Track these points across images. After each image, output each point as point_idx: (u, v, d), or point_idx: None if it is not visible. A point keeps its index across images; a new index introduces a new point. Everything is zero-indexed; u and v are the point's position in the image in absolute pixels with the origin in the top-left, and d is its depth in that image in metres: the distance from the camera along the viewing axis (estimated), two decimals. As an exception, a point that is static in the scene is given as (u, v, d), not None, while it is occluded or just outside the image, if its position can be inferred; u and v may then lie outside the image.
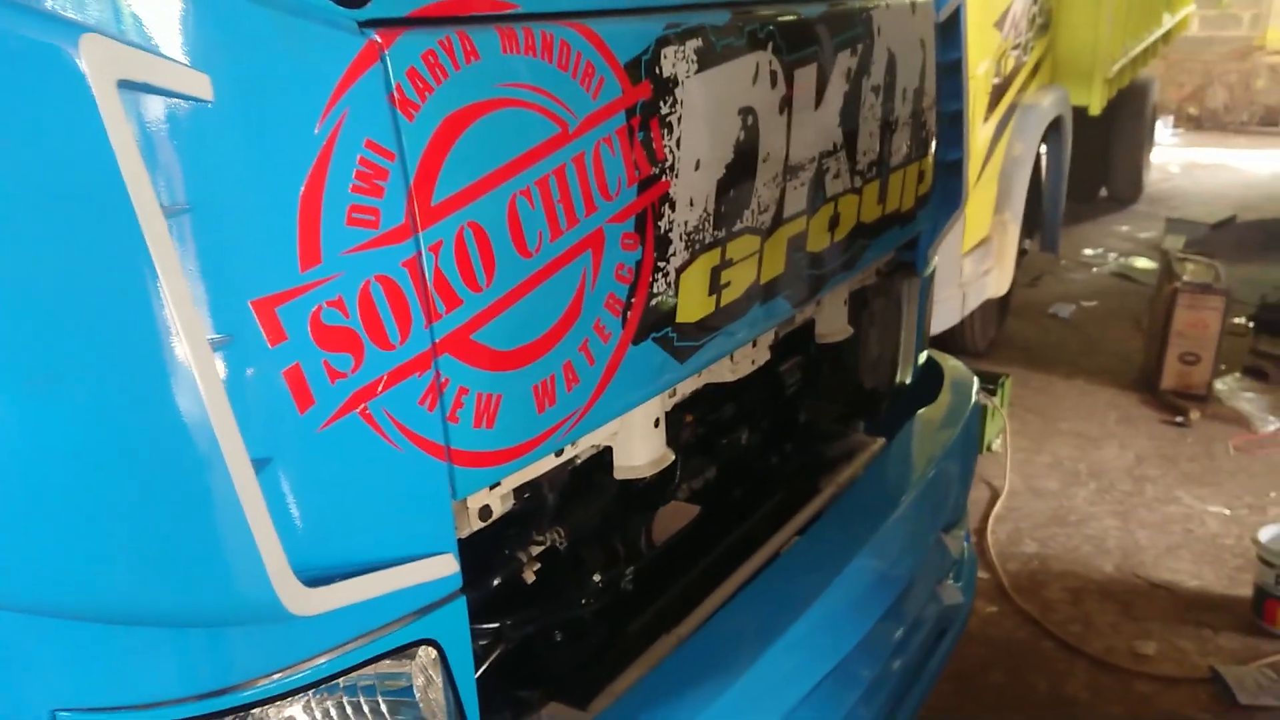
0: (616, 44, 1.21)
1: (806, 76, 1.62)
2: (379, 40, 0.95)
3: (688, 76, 1.33)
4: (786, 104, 1.57)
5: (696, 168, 1.38)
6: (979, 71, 4.14)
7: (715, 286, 1.47)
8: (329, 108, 0.91)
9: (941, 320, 4.31)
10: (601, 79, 1.20)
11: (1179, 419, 4.43)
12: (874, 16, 1.83)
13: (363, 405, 0.98)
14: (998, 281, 4.73)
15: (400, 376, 1.01)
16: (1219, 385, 4.60)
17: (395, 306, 0.99)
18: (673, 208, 1.34)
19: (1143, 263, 6.88)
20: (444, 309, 1.03)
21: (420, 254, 1.00)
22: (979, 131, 4.24)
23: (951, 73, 2.34)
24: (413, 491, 1.06)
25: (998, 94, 4.40)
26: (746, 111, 1.47)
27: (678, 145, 1.33)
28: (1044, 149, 5.26)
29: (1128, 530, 3.63)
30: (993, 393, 4.27)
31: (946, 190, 2.38)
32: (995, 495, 3.85)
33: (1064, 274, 6.66)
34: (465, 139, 1.03)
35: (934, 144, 2.25)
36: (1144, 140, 8.51)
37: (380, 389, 0.99)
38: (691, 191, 1.37)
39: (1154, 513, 3.75)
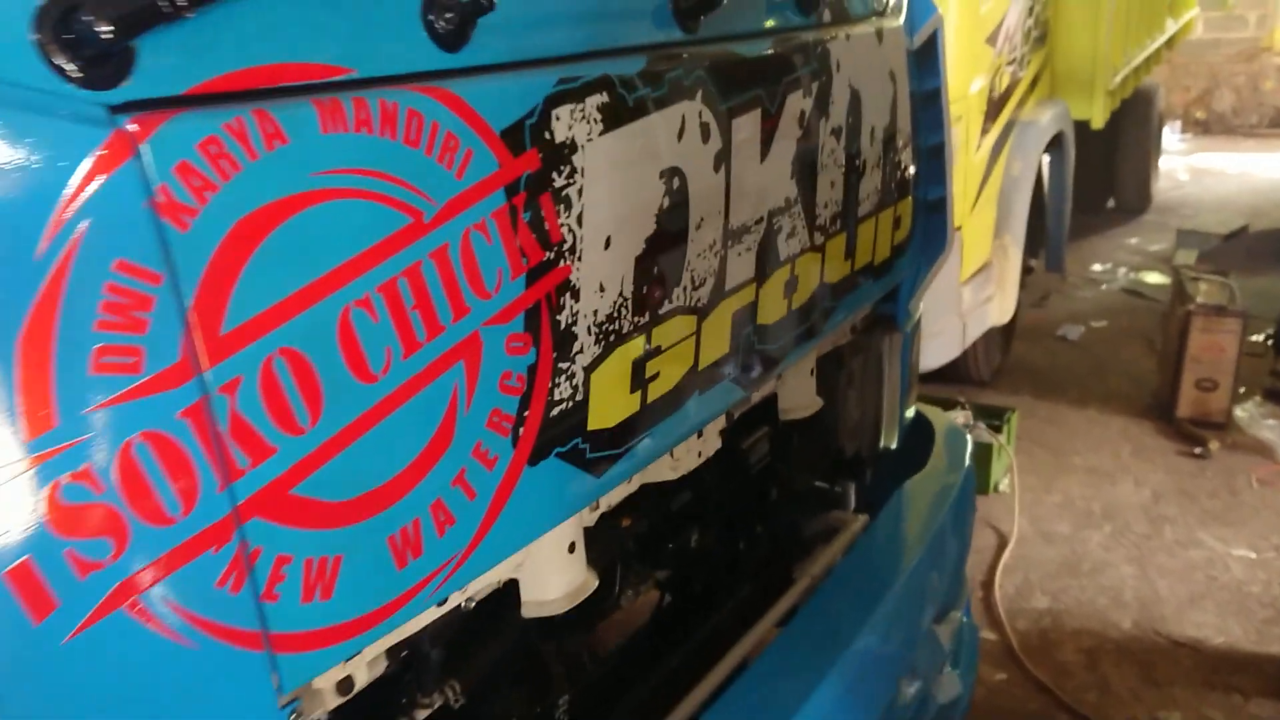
0: (489, 108, 0.99)
1: (748, 125, 1.39)
2: (133, 129, 0.73)
3: (590, 139, 1.11)
4: (723, 159, 1.34)
5: (607, 246, 1.15)
6: (972, 90, 3.91)
7: (639, 382, 1.25)
8: (55, 225, 0.69)
9: (941, 354, 4.07)
10: (469, 152, 0.97)
11: (1197, 450, 4.17)
12: (831, 50, 1.61)
13: (131, 599, 0.76)
14: (1000, 309, 4.49)
15: (187, 555, 0.78)
16: (1239, 412, 4.34)
17: (172, 468, 0.76)
18: (576, 297, 1.12)
19: (1154, 278, 6.62)
20: (248, 462, 0.81)
21: (208, 398, 0.78)
22: (975, 153, 4.01)
23: (930, 102, 2.11)
24: (222, 695, 0.83)
25: (994, 112, 4.17)
26: (671, 173, 1.25)
27: (579, 222, 1.11)
28: (1045, 165, 5.03)
29: (1146, 579, 3.37)
30: (999, 429, 4.03)
31: (929, 233, 2.15)
32: (1003, 542, 3.60)
33: (1072, 292, 6.41)
34: (269, 245, 0.81)
35: (912, 184, 2.02)
36: (1150, 149, 8.26)
37: (156, 576, 0.76)
38: (601, 275, 1.15)
39: (1174, 558, 3.49)
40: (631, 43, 1.21)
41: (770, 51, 1.47)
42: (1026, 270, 5.12)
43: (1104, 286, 6.56)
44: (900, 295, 2.07)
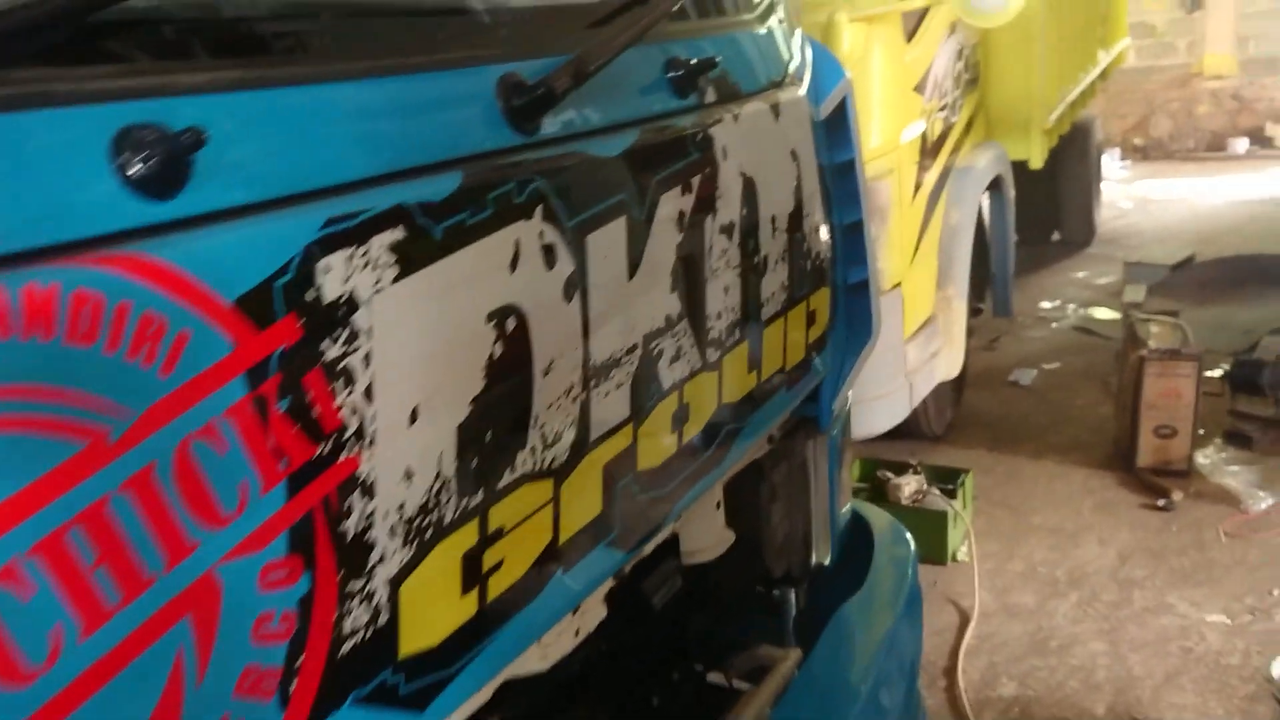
0: (214, 272, 0.74)
1: (609, 239, 1.16)
2: None
3: (379, 290, 0.86)
4: (576, 285, 1.10)
5: (413, 420, 0.91)
6: (903, 141, 3.74)
7: (474, 579, 0.99)
8: None
9: (888, 417, 3.86)
10: (182, 337, 0.72)
11: (1161, 502, 3.98)
12: (716, 135, 1.39)
13: None
14: (949, 363, 4.30)
15: None
16: (1200, 459, 4.16)
17: None
18: (370, 493, 0.87)
19: (1104, 313, 6.49)
20: None
21: None
22: (910, 205, 3.83)
23: (844, 176, 1.89)
24: None
25: (928, 161, 4.00)
26: (503, 314, 1.01)
27: (368, 398, 0.86)
28: (986, 208, 4.87)
29: (1118, 655, 3.14)
30: (953, 493, 3.81)
31: (853, 320, 1.92)
32: (965, 620, 3.36)
33: (1022, 333, 6.26)
34: None
35: (828, 270, 1.80)
36: (1092, 180, 8.21)
37: None
38: (407, 458, 0.90)
39: (1145, 628, 3.27)
40: (441, 157, 0.97)
41: (637, 146, 1.23)
42: (974, 312, 4.96)
43: (1054, 325, 6.42)
44: (823, 394, 1.84)
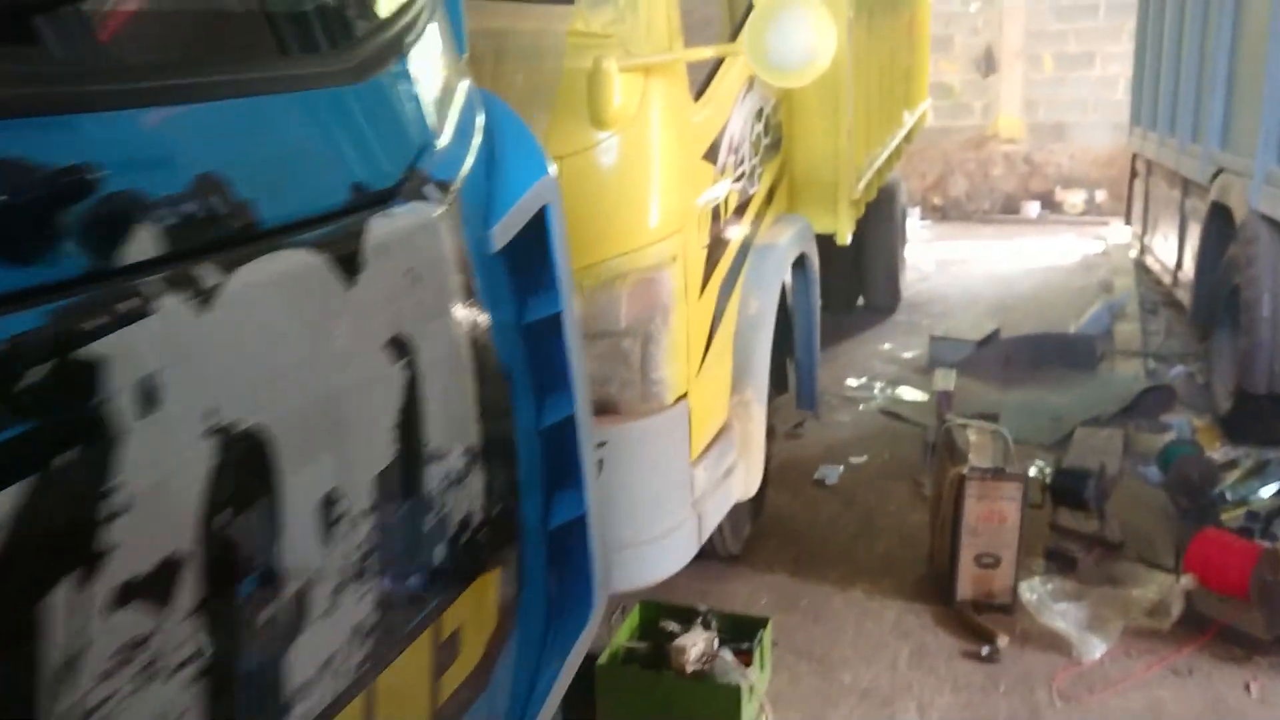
0: None
1: None
2: None
3: None
4: None
5: None
6: (689, 220, 3.02)
7: None
8: None
9: (670, 561, 3.09)
10: None
11: (985, 650, 3.39)
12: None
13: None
14: (747, 480, 3.60)
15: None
16: (1026, 593, 3.61)
17: None
18: None
19: (911, 394, 6.05)
20: None
21: None
22: (699, 300, 3.11)
23: (546, 342, 1.10)
24: None
25: (720, 243, 3.31)
26: None
27: None
28: (788, 288, 4.24)
29: None
30: (749, 651, 3.09)
31: (565, 594, 1.12)
32: (760, 842, 2.62)
33: (828, 416, 5.70)
34: None
35: (511, 535, 0.99)
36: (897, 246, 7.88)
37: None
38: None
39: (978, 844, 2.62)
40: None
41: None
42: (778, 394, 4.34)
43: (861, 407, 5.91)
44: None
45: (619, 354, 2.88)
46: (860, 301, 7.89)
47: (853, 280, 7.60)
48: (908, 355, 6.88)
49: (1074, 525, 4.08)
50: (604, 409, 2.92)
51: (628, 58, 2.73)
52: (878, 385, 6.25)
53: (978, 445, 3.78)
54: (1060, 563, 3.92)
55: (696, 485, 3.16)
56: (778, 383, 4.45)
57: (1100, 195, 11.81)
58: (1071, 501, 4.08)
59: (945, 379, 5.16)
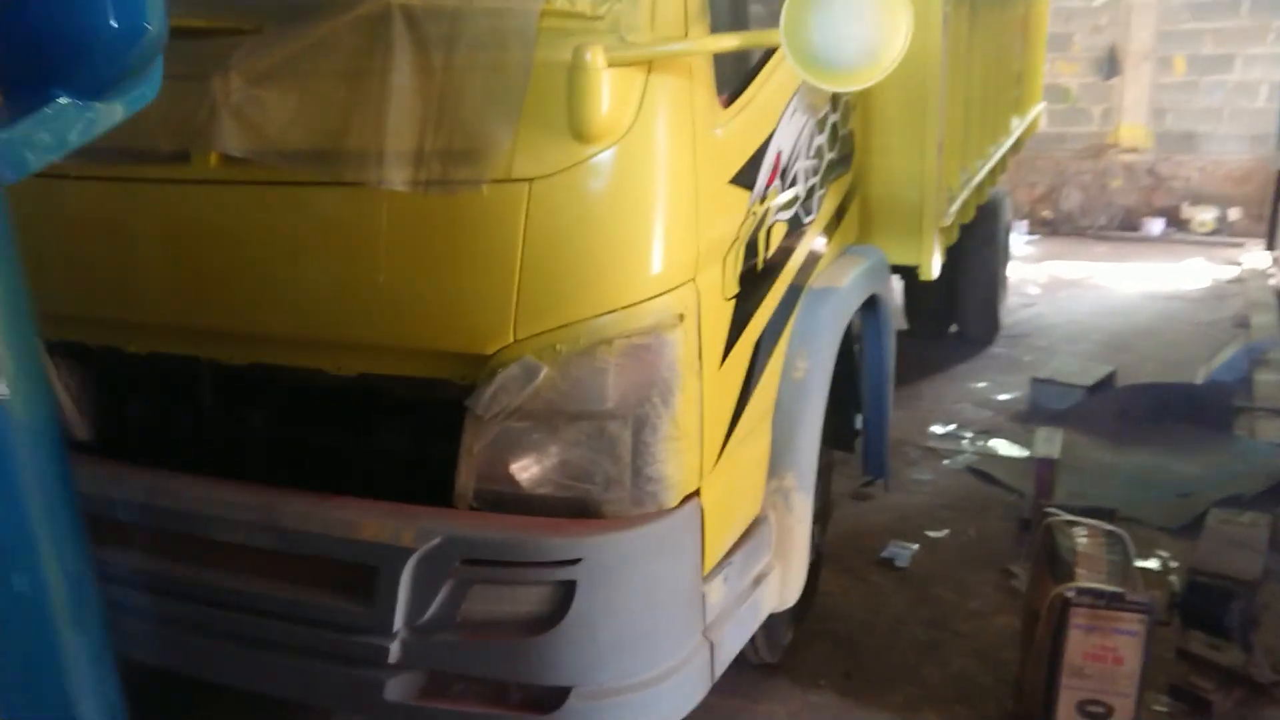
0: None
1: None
2: None
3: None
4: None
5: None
6: (706, 266, 2.28)
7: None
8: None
9: (673, 704, 2.35)
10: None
11: (1087, 837, 2.58)
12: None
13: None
14: (783, 587, 2.84)
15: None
16: (1144, 755, 2.79)
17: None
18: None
19: (1006, 448, 5.18)
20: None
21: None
22: (718, 371, 2.37)
23: None
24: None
25: (756, 290, 2.56)
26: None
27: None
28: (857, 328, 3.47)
29: None
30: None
31: None
32: None
33: (905, 471, 4.89)
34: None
35: None
36: (998, 267, 6.94)
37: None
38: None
39: None
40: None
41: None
42: (854, 434, 3.59)
43: (945, 463, 5.06)
44: None
45: (602, 441, 2.16)
46: (953, 328, 7.00)
47: (945, 304, 6.72)
48: (1004, 398, 5.98)
49: (1209, 655, 3.20)
50: (581, 513, 2.21)
51: (622, 47, 2.00)
52: (967, 435, 5.39)
53: (1087, 553, 2.95)
54: (1190, 704, 3.07)
55: (710, 606, 2.42)
56: (840, 440, 3.68)
57: (1234, 214, 10.58)
58: (1208, 625, 3.21)
59: (1048, 443, 4.29)
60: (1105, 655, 2.74)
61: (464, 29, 2.02)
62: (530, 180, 2.03)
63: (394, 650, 2.24)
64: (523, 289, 2.07)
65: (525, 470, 2.21)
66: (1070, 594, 2.74)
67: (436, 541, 2.17)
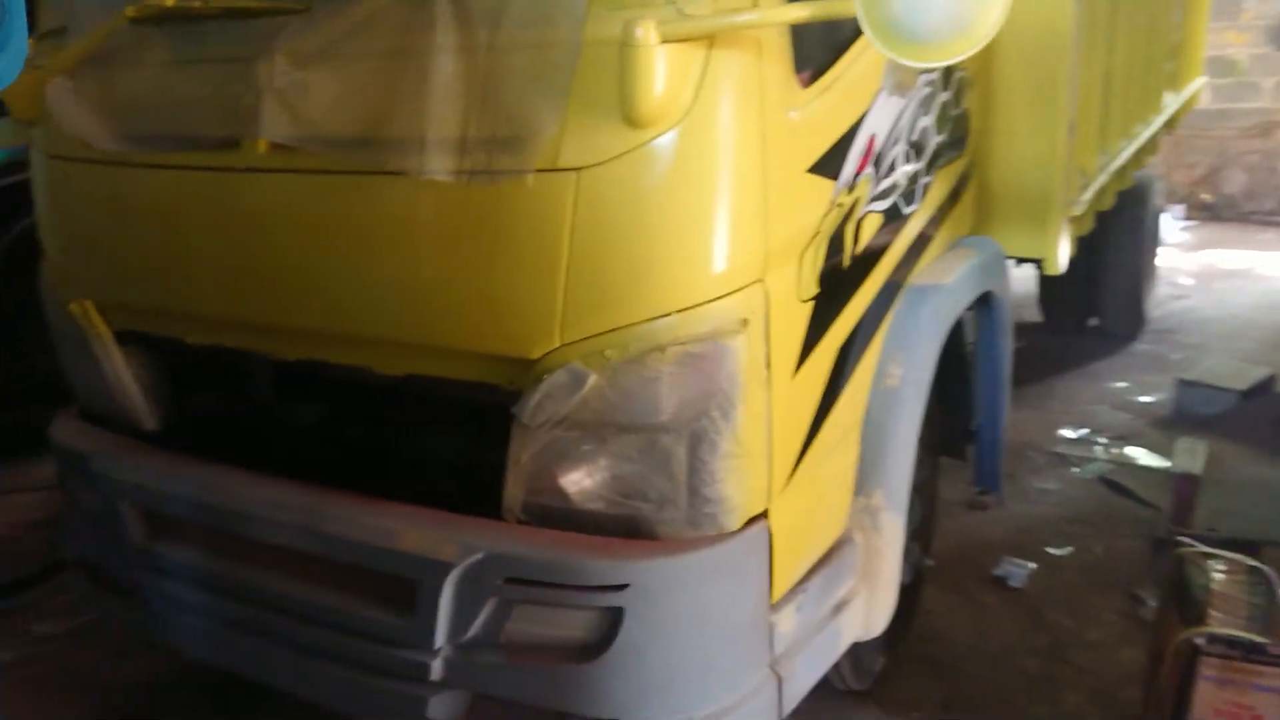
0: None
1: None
2: None
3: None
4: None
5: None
6: (778, 265, 2.05)
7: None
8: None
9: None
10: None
11: None
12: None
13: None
14: (869, 614, 2.60)
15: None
16: (1284, 829, 2.43)
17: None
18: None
19: (1145, 457, 4.73)
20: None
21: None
22: (791, 382, 2.14)
23: None
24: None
25: (837, 288, 2.32)
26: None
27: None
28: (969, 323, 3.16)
29: None
30: None
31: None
32: None
33: (1028, 479, 4.52)
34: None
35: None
36: (1143, 257, 6.38)
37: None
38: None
39: None
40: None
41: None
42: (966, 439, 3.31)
43: (1075, 470, 4.66)
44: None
45: (655, 457, 1.97)
46: (1093, 321, 6.49)
47: (1084, 294, 6.22)
48: (1146, 400, 5.49)
49: (1370, 713, 2.79)
50: (634, 533, 2.03)
51: (679, 20, 1.78)
52: (1101, 441, 4.95)
53: (1224, 592, 2.59)
54: (1343, 769, 2.67)
55: (780, 636, 2.20)
56: (950, 447, 3.39)
57: None
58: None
59: (1190, 455, 3.85)
60: (1241, 714, 2.39)
61: (509, 5, 1.85)
62: (578, 169, 1.84)
63: (436, 667, 2.12)
64: (569, 289, 1.89)
65: (575, 484, 2.04)
66: (1200, 641, 2.40)
67: (478, 557, 2.04)
